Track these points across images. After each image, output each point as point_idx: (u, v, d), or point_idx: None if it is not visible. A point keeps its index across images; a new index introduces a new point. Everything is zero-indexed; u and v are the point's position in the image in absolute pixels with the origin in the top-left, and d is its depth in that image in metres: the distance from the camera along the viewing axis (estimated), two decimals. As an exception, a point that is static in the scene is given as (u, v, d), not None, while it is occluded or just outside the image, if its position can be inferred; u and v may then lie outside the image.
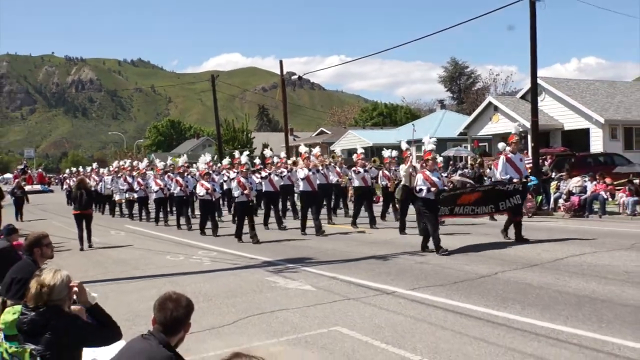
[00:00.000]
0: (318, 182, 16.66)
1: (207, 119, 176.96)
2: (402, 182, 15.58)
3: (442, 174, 15.16)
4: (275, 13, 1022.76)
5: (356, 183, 17.40)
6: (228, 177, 20.87)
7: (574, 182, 19.15)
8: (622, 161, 26.79)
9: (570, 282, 8.80)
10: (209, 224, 17.42)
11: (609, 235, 13.46)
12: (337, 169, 19.56)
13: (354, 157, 18.80)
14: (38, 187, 53.74)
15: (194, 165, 24.53)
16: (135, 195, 22.99)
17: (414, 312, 7.53)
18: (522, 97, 36.60)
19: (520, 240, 12.80)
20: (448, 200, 12.32)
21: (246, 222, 15.19)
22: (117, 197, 25.02)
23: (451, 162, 36.39)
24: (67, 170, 51.62)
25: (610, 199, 18.54)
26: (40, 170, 71.92)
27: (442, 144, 32.92)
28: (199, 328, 6.76)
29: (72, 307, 4.09)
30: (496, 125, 36.89)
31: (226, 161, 23.24)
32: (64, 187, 41.28)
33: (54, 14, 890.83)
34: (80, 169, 38.19)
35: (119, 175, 25.52)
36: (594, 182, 18.69)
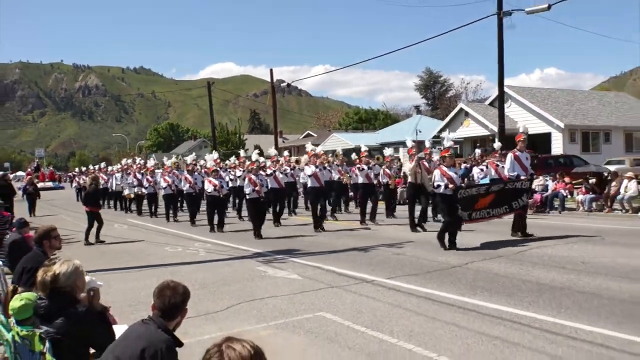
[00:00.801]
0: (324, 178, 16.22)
1: (203, 122, 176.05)
2: (409, 180, 15.27)
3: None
4: (267, 26, 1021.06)
5: (360, 180, 16.76)
6: (234, 175, 20.29)
7: (537, 181, 19.27)
8: (580, 162, 27.08)
9: (532, 271, 8.85)
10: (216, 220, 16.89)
11: (568, 229, 13.54)
12: (339, 167, 19.06)
13: (353, 155, 18.45)
14: (50, 184, 53.01)
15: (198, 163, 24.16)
16: (145, 191, 22.61)
17: (391, 299, 7.54)
18: (490, 104, 36.82)
19: (525, 235, 12.38)
20: (467, 204, 11.69)
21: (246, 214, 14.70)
22: (126, 192, 24.56)
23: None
24: (76, 169, 51.06)
25: (569, 197, 18.68)
26: (51, 168, 71.04)
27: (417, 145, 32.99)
28: (195, 313, 6.73)
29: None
30: (467, 129, 37.09)
31: (232, 159, 22.49)
32: (74, 184, 40.78)
33: (63, 25, 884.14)
34: (91, 167, 37.69)
35: (128, 172, 25.27)
36: (555, 181, 18.86)
